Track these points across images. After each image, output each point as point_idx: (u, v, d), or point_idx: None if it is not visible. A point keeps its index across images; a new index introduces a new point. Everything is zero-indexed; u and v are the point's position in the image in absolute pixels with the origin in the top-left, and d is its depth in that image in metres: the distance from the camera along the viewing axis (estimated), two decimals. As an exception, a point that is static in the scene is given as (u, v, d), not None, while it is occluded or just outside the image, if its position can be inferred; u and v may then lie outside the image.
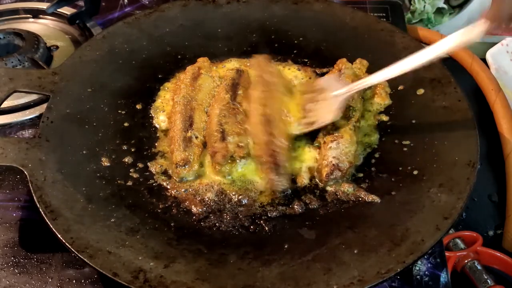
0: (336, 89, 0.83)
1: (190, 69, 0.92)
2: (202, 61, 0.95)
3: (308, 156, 0.82)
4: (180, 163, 0.79)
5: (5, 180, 0.86)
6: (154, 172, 0.81)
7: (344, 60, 0.92)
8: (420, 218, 0.69)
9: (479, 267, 0.85)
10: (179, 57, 1.00)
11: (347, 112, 0.83)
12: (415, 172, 0.77)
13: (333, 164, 0.77)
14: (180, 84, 0.90)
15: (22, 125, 0.94)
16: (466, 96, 0.84)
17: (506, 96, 1.00)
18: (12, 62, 1.01)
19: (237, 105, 0.85)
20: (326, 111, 0.82)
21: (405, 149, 0.82)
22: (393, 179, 0.77)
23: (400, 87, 0.90)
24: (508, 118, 0.95)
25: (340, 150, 0.78)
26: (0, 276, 0.73)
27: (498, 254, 0.86)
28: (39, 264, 0.74)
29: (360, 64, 0.93)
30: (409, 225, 0.69)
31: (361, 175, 0.79)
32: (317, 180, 0.79)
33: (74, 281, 0.72)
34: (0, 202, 0.82)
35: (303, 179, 0.79)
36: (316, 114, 0.83)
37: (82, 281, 0.72)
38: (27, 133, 0.93)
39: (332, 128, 0.81)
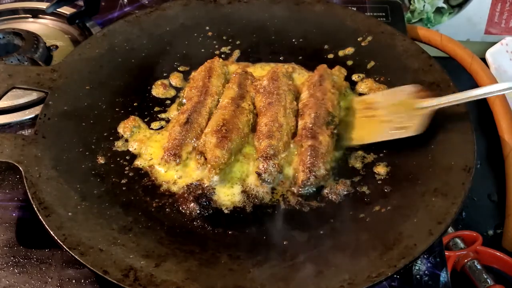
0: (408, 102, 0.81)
1: (203, 68, 0.92)
2: (216, 61, 0.94)
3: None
4: (171, 152, 0.79)
5: (4, 180, 0.86)
6: (149, 171, 0.81)
7: (325, 66, 0.92)
8: (414, 222, 0.69)
9: (478, 267, 0.85)
10: (178, 56, 1.00)
11: (326, 118, 0.82)
12: (410, 176, 0.76)
13: (310, 171, 0.76)
14: (193, 83, 0.90)
15: (21, 125, 0.94)
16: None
17: (506, 96, 0.99)
18: (11, 62, 1.01)
19: (244, 108, 0.85)
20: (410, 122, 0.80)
21: (401, 152, 0.81)
22: (387, 183, 0.77)
23: (399, 90, 0.90)
24: (508, 118, 0.95)
25: (317, 157, 0.77)
26: (0, 276, 0.73)
27: (498, 253, 0.87)
28: (39, 264, 0.75)
29: (339, 71, 0.93)
30: (402, 229, 0.68)
31: (356, 178, 0.79)
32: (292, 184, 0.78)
33: (74, 281, 0.72)
34: (0, 202, 0.83)
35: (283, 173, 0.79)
36: (404, 121, 0.80)
37: (82, 281, 0.72)
38: (26, 133, 0.93)
39: (310, 134, 0.80)
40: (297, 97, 0.90)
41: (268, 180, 0.78)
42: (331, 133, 0.81)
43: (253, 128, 0.85)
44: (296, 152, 0.81)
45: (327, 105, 0.84)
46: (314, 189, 0.77)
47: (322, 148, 0.79)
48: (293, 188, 0.78)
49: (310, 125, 0.81)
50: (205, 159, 0.78)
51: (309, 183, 0.76)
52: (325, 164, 0.78)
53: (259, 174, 0.78)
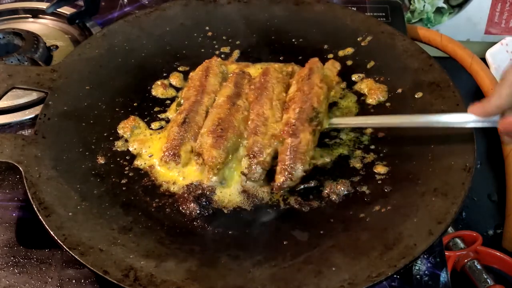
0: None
1: (201, 68, 0.92)
2: (213, 60, 0.94)
3: None
4: (170, 152, 0.79)
5: (5, 180, 0.86)
6: (149, 171, 0.81)
7: (316, 59, 0.91)
8: (414, 222, 0.69)
9: (478, 267, 0.85)
10: (178, 56, 1.00)
11: (310, 114, 0.81)
12: (410, 176, 0.76)
13: (287, 173, 0.76)
14: (191, 83, 0.91)
15: (21, 125, 0.94)
16: (466, 96, 0.84)
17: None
18: (11, 62, 1.01)
19: (240, 106, 0.85)
20: None
21: (401, 152, 0.81)
22: (387, 183, 0.77)
23: (399, 90, 0.90)
24: (508, 117, 0.95)
25: (296, 158, 0.76)
26: (0, 276, 0.73)
27: (498, 253, 0.87)
28: (39, 264, 0.75)
29: (332, 65, 0.91)
30: (402, 229, 0.68)
31: (356, 178, 0.79)
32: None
33: (74, 281, 0.72)
34: (0, 202, 0.83)
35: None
36: None
37: (82, 281, 0.72)
38: (26, 133, 0.93)
39: (291, 130, 0.79)
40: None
41: (254, 179, 0.77)
42: (313, 130, 0.80)
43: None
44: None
45: (312, 100, 0.82)
46: (288, 191, 0.77)
47: (301, 148, 0.77)
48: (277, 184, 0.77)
49: (293, 121, 0.80)
50: (203, 159, 0.78)
51: (285, 186, 0.76)
52: (304, 165, 0.77)
53: (244, 174, 0.77)
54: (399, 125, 0.80)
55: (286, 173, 0.76)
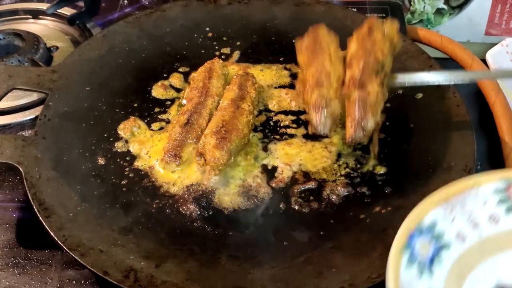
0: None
1: (203, 69, 0.92)
2: (216, 62, 0.94)
3: (281, 152, 0.82)
4: (171, 153, 0.79)
5: (5, 180, 0.86)
6: (149, 172, 0.81)
7: (375, 17, 0.85)
8: (414, 223, 0.69)
9: (478, 267, 0.84)
10: (178, 56, 1.00)
11: (375, 66, 0.76)
12: (410, 176, 0.77)
13: (358, 125, 0.73)
14: (193, 84, 0.91)
15: (21, 126, 0.95)
16: (466, 96, 0.84)
17: (506, 97, 0.99)
18: (12, 62, 1.01)
19: (244, 109, 0.85)
20: None
21: (401, 152, 0.81)
22: (387, 183, 0.77)
23: (399, 91, 0.90)
24: (508, 118, 0.95)
25: (366, 109, 0.73)
26: (0, 276, 0.73)
27: (498, 253, 0.86)
28: (39, 264, 0.75)
29: (391, 24, 0.83)
30: (402, 230, 0.68)
31: (356, 180, 0.79)
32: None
33: (74, 282, 0.73)
34: (0, 203, 0.83)
35: (283, 174, 0.79)
36: None
37: (82, 281, 0.72)
38: (26, 133, 0.93)
39: (358, 83, 0.75)
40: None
41: (325, 133, 0.76)
42: (380, 82, 0.75)
43: (254, 129, 0.86)
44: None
45: (376, 54, 0.77)
46: (365, 143, 0.77)
47: (370, 99, 0.74)
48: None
49: (358, 74, 0.77)
50: (205, 160, 0.79)
51: (357, 139, 0.73)
52: (375, 116, 0.74)
53: (314, 128, 0.76)
54: (469, 81, 0.79)
55: (357, 125, 0.73)
